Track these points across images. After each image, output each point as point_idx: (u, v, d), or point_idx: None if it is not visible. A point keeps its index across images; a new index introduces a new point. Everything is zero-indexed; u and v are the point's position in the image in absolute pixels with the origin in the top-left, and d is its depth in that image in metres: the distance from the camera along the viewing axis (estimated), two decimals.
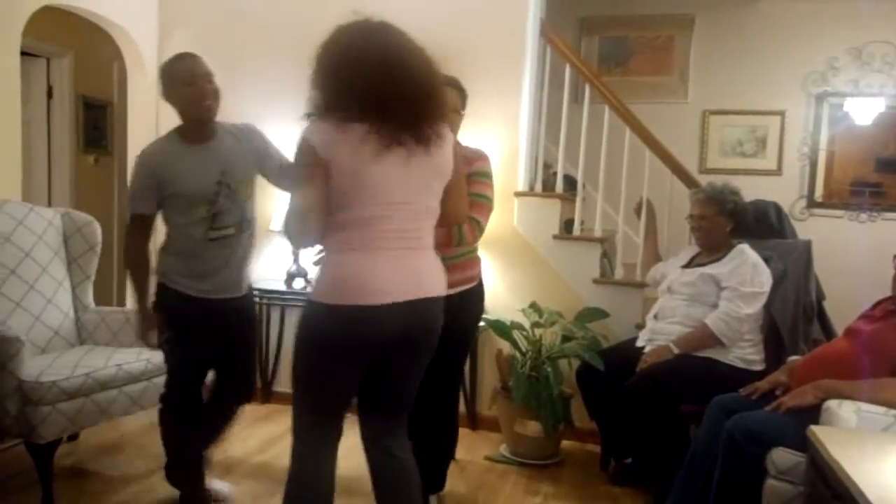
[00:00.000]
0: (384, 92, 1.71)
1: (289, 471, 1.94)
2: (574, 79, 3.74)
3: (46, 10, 3.47)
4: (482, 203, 2.43)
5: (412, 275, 1.82)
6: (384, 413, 1.99)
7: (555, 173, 3.87)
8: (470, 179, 2.33)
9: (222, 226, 2.45)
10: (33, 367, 2.72)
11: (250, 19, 4.06)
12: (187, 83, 2.37)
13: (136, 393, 2.96)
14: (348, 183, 1.73)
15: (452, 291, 2.16)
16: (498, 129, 3.61)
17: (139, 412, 3.04)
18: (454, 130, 2.32)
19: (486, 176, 2.49)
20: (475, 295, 2.59)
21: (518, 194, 3.69)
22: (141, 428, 3.54)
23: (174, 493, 2.89)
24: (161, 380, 3.04)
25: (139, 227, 2.47)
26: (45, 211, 3.31)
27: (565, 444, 3.45)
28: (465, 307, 2.49)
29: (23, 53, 3.41)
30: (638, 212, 3.54)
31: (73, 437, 3.23)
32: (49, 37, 4.24)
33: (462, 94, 2.51)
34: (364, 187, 1.74)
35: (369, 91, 1.71)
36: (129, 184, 2.49)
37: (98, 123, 5.13)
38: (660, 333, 3.03)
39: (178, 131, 2.48)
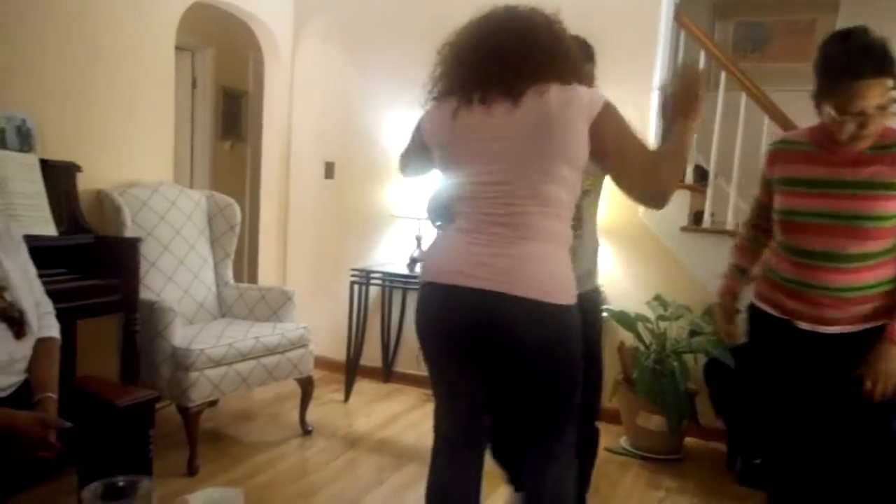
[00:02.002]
0: (465, 59, 1.67)
1: None
2: (708, 65, 3.61)
3: (191, 6, 3.69)
4: None
5: (491, 263, 1.60)
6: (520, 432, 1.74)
7: None
8: None
9: None
10: (184, 336, 2.95)
11: (381, 8, 4.17)
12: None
13: (272, 365, 3.13)
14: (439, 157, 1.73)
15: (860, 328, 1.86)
16: (628, 115, 3.52)
17: (272, 383, 3.21)
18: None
19: None
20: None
21: None
22: (272, 398, 3.76)
23: (305, 460, 3.05)
24: (294, 354, 3.22)
25: None
26: (192, 193, 3.56)
27: (688, 441, 3.36)
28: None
29: None
30: None
31: (212, 404, 3.45)
32: (193, 31, 4.52)
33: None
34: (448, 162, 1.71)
35: (457, 63, 1.69)
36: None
37: (234, 112, 5.44)
38: None
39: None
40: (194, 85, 5.07)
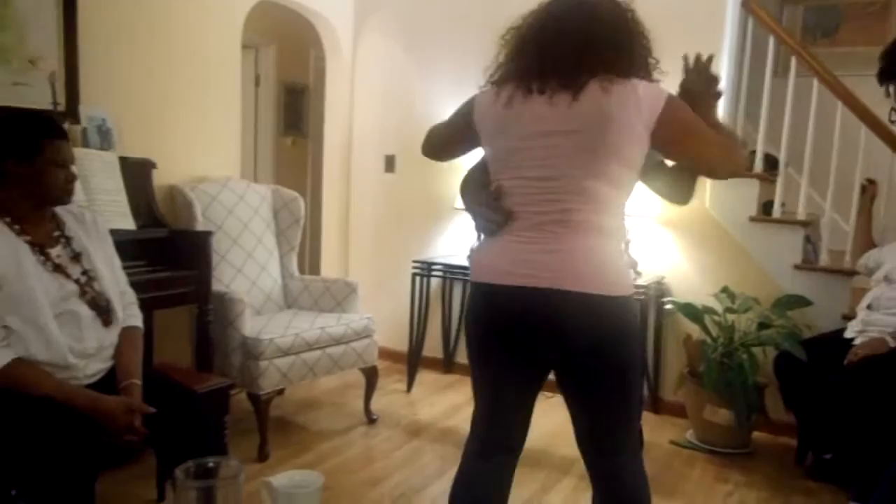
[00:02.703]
0: (530, 42, 1.60)
1: None
2: (777, 51, 3.51)
3: (255, 5, 3.77)
4: None
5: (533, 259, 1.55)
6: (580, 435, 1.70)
7: (752, 152, 3.65)
8: None
9: None
10: (253, 326, 3.03)
11: (440, 2, 4.18)
12: None
13: (337, 354, 3.20)
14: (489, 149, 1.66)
15: None
16: None
17: (337, 372, 3.27)
18: None
19: None
20: None
21: None
22: (337, 388, 3.84)
23: (371, 448, 3.11)
24: (359, 344, 3.28)
25: None
26: (259, 187, 3.65)
27: (756, 435, 3.29)
28: None
29: None
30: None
31: (279, 393, 3.54)
32: (256, 29, 4.63)
33: None
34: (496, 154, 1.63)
35: (519, 47, 1.62)
36: None
37: (296, 108, 5.54)
38: (874, 325, 2.79)
39: None
40: (257, 82, 5.19)
